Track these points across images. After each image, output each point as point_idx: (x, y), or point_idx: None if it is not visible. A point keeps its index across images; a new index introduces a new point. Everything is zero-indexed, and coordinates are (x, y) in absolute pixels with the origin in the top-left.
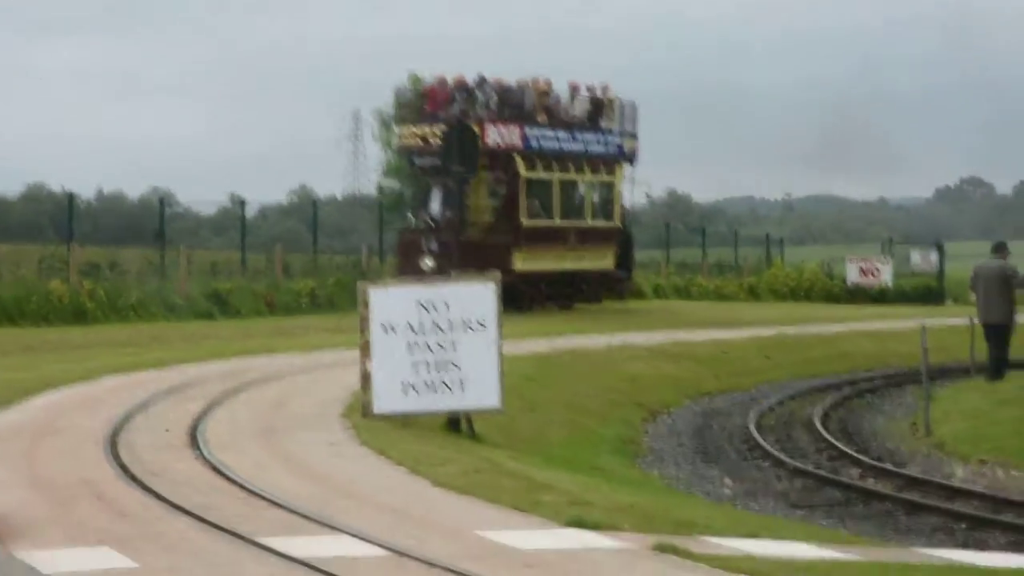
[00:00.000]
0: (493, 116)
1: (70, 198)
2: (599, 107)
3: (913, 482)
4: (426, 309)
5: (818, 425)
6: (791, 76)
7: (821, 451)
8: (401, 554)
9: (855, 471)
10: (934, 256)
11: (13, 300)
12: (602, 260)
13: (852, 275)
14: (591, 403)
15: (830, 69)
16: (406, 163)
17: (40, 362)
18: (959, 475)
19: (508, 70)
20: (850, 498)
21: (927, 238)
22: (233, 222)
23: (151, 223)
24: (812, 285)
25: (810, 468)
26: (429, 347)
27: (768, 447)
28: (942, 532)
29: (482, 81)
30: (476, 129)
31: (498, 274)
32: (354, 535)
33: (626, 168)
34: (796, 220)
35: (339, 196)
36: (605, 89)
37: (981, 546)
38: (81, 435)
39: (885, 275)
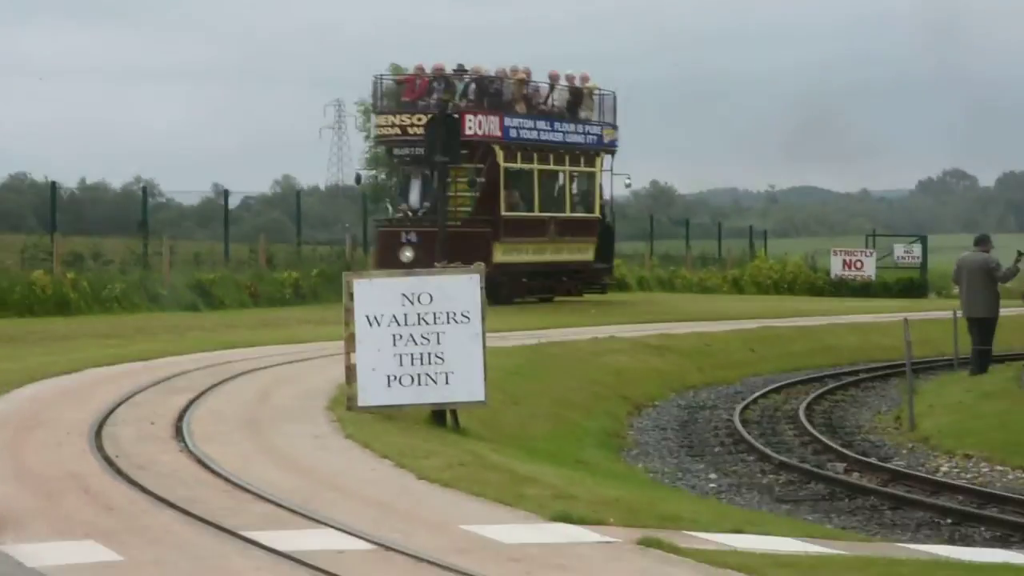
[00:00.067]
0: (472, 106)
1: (52, 188)
2: (578, 97)
3: (898, 476)
4: (411, 301)
5: (803, 419)
6: (774, 68)
7: (806, 445)
8: (387, 548)
9: (840, 465)
10: (917, 249)
11: None
12: (582, 252)
13: (836, 267)
14: (575, 396)
15: (813, 60)
16: (384, 153)
17: (24, 353)
18: (944, 469)
19: (496, 60)
20: (835, 492)
21: (910, 230)
22: (216, 213)
23: (134, 213)
24: (795, 278)
25: (795, 462)
26: (414, 340)
27: (753, 441)
28: (927, 527)
29: (461, 70)
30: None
31: (482, 266)
32: (339, 528)
33: (606, 159)
34: (779, 212)
35: (322, 187)
36: (584, 79)
37: (966, 541)
38: (66, 427)
39: (868, 268)
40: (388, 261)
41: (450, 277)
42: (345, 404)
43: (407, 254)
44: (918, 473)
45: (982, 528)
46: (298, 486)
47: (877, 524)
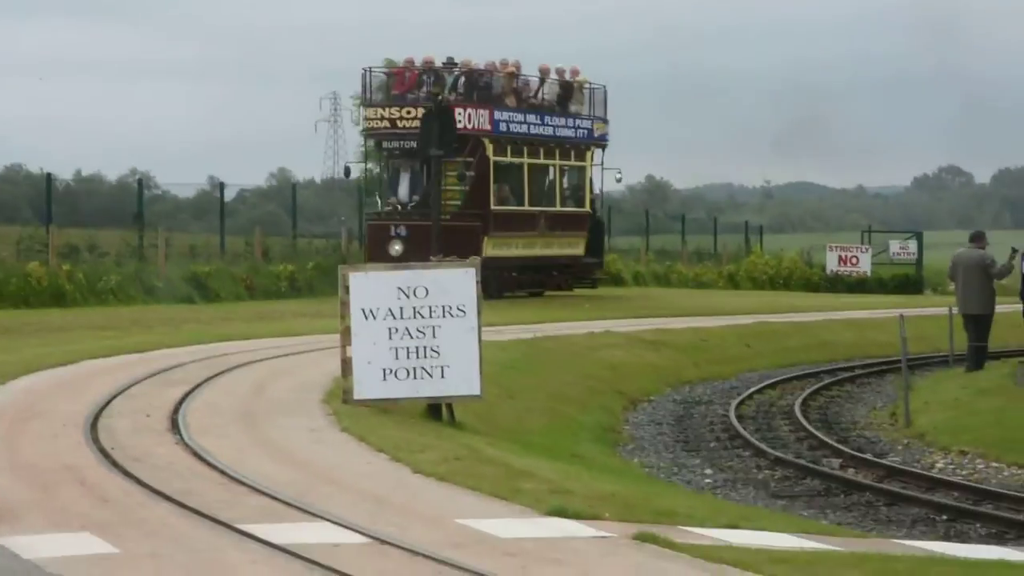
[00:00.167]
0: (461, 99)
1: (48, 179)
2: (568, 91)
3: (893, 472)
4: (406, 295)
5: (798, 414)
6: (771, 64)
7: (801, 441)
8: (382, 541)
9: (835, 461)
10: (913, 245)
11: None
12: (573, 247)
13: (832, 263)
14: (571, 391)
15: (811, 57)
16: (373, 146)
17: (19, 345)
18: (939, 466)
19: (492, 55)
20: (831, 488)
21: (906, 226)
22: (212, 205)
23: (130, 205)
24: (791, 273)
25: (791, 458)
26: (409, 333)
27: (748, 436)
28: (923, 523)
29: (450, 63)
30: None
31: (478, 260)
32: (335, 522)
33: (597, 153)
34: (775, 207)
35: (318, 180)
36: (575, 73)
37: (962, 537)
38: (62, 419)
39: (864, 264)
40: (378, 254)
41: (446, 271)
42: (341, 397)
43: (396, 247)
44: (913, 469)
45: (977, 524)
46: (294, 479)
47: (872, 520)
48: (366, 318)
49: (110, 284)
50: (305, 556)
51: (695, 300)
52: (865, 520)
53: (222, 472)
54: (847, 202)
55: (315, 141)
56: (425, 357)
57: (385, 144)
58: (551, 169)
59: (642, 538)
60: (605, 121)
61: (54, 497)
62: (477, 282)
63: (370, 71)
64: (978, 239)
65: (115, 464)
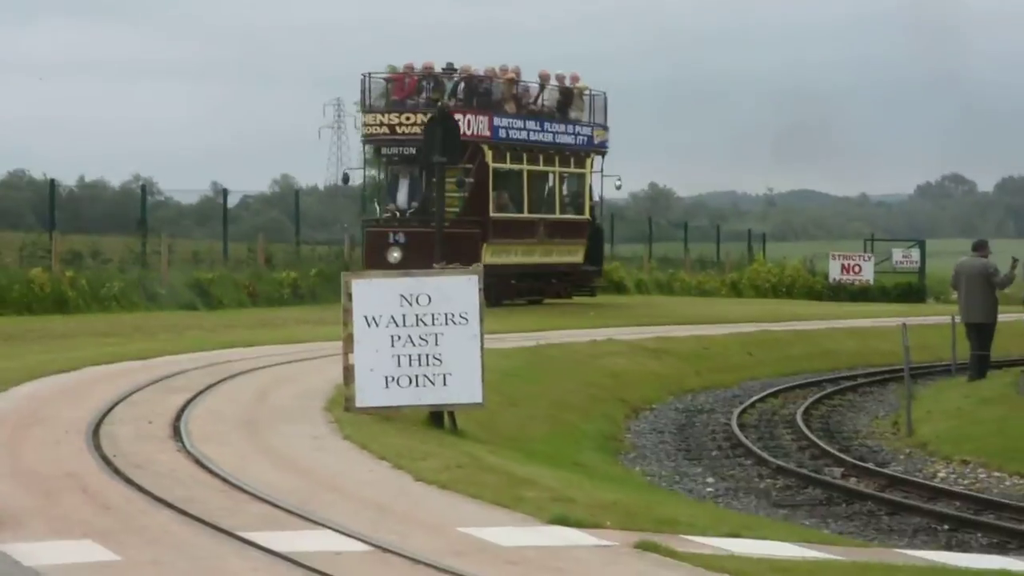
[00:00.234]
0: (461, 105)
1: (51, 185)
2: (568, 97)
3: (895, 482)
4: (409, 302)
5: (800, 423)
6: (773, 70)
7: (803, 450)
8: (384, 549)
9: (837, 470)
10: (916, 254)
11: None
12: (572, 254)
13: (834, 272)
14: (573, 399)
15: (813, 63)
16: (372, 152)
17: (22, 351)
18: (941, 475)
19: (496, 59)
20: (832, 497)
21: (908, 235)
22: (215, 212)
23: (133, 212)
24: (794, 281)
25: (792, 467)
26: (412, 340)
27: (750, 445)
28: (924, 532)
29: (450, 69)
30: None
31: (481, 267)
32: (337, 530)
33: (597, 160)
34: (778, 215)
35: (321, 186)
36: (575, 79)
37: (963, 547)
38: (64, 426)
39: (867, 272)
40: (376, 261)
41: (449, 278)
42: (343, 405)
43: (395, 255)
44: (915, 479)
45: (979, 534)
46: (296, 487)
47: (874, 529)
48: (369, 325)
49: (113, 291)
50: (307, 564)
51: (698, 308)
52: (867, 529)
53: (224, 480)
54: (850, 210)
55: (319, 147)
56: (427, 365)
57: (384, 150)
58: (551, 176)
59: (644, 547)
60: (605, 128)
61: (56, 504)
62: (480, 290)
63: (369, 77)
64: (981, 248)
65: (117, 471)
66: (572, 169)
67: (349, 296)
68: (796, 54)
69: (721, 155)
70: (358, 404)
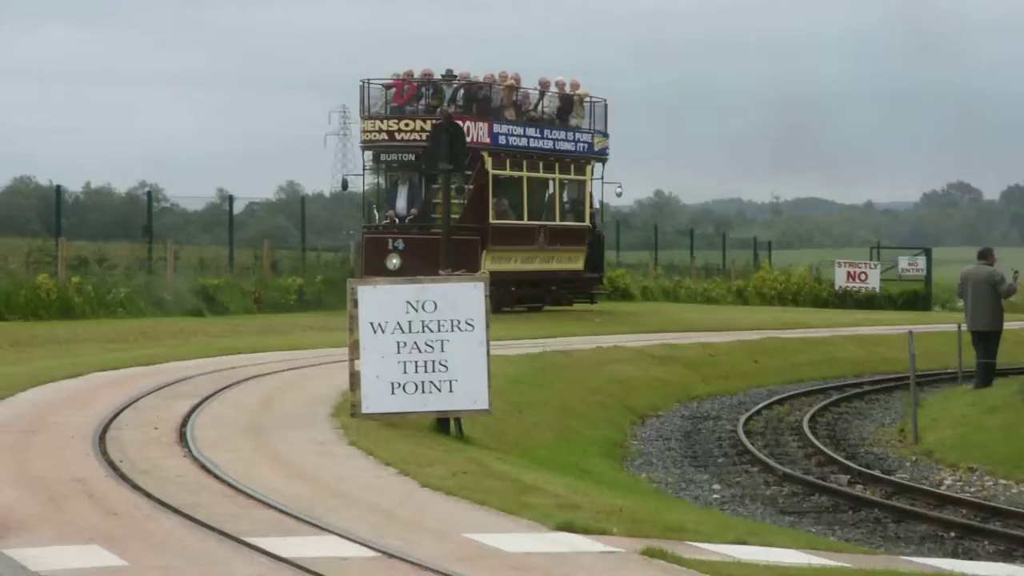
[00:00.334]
0: (460, 112)
1: (58, 191)
2: (569, 104)
3: (902, 489)
4: (415, 308)
5: (806, 430)
6: (778, 78)
7: (810, 457)
8: (389, 555)
9: (844, 477)
10: (922, 262)
11: (1, 294)
12: (572, 261)
13: (840, 279)
14: (579, 405)
15: (820, 71)
16: (372, 158)
17: (28, 357)
18: (947, 483)
19: (498, 66)
20: (838, 505)
21: (914, 242)
22: (221, 218)
23: (139, 218)
24: (800, 289)
25: (799, 474)
26: (418, 347)
27: (757, 452)
28: (931, 540)
29: (449, 76)
30: None
31: (487, 274)
32: (342, 535)
33: (597, 167)
34: (784, 223)
35: (327, 193)
36: (575, 86)
37: (970, 555)
38: (70, 431)
39: (873, 280)
40: (375, 268)
41: (454, 285)
42: (349, 411)
43: (394, 261)
44: (922, 486)
45: (985, 542)
46: (301, 493)
47: (880, 537)
48: (374, 332)
49: (119, 296)
50: (312, 570)
51: (703, 315)
52: (873, 537)
53: (230, 485)
54: (856, 218)
55: (324, 154)
56: (433, 371)
57: (383, 156)
58: (551, 183)
59: (650, 553)
60: (605, 135)
61: (62, 509)
62: (486, 296)
63: (368, 83)
64: (987, 256)
65: (123, 477)
66: (572, 176)
67: (355, 302)
68: (796, 63)
69: (724, 163)
70: (364, 410)
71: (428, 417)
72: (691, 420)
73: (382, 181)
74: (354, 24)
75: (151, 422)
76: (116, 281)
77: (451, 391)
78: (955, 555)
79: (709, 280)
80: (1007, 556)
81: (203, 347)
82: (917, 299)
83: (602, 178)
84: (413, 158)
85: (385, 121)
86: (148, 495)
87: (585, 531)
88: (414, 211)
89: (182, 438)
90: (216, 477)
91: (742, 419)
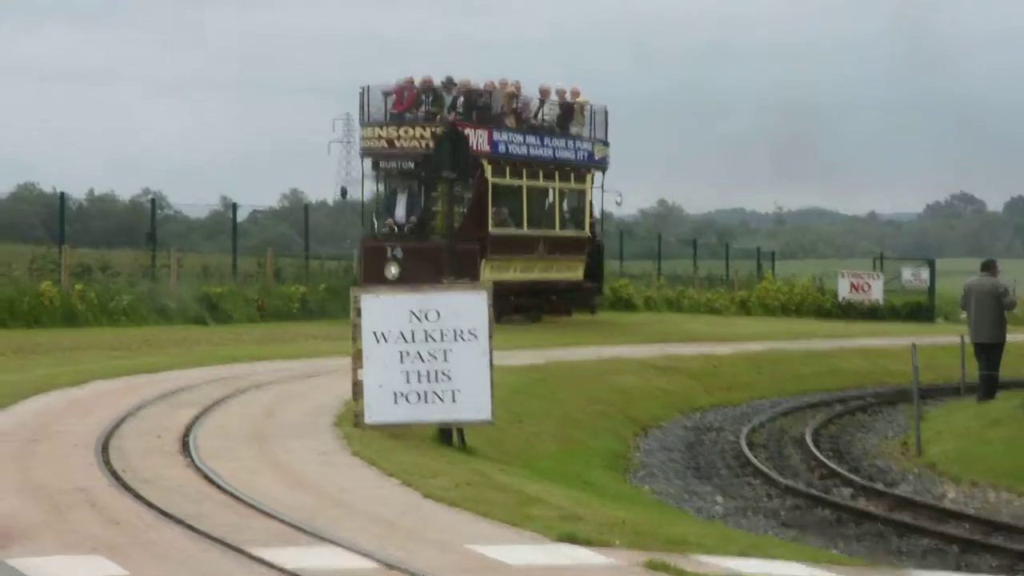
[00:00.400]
0: (460, 119)
1: (61, 198)
2: (569, 112)
3: (904, 503)
4: (418, 318)
5: (809, 443)
6: (778, 87)
7: (812, 469)
8: (391, 567)
9: (846, 491)
10: (925, 273)
11: (4, 301)
12: (572, 271)
13: (844, 290)
14: (581, 416)
15: (824, 81)
16: (371, 166)
17: (31, 365)
18: (950, 496)
19: (500, 73)
20: (841, 518)
21: (917, 254)
22: (224, 226)
23: (142, 225)
24: (803, 300)
25: (801, 487)
26: (421, 356)
27: (759, 464)
28: (934, 554)
29: (449, 83)
30: None
31: (490, 284)
32: (345, 546)
33: (597, 176)
34: (787, 233)
35: (331, 201)
36: (575, 94)
37: (972, 569)
38: (73, 440)
39: (876, 291)
40: (373, 277)
41: (458, 294)
42: (352, 421)
43: (392, 270)
44: (925, 500)
45: (988, 556)
46: (304, 503)
47: (883, 550)
48: (377, 341)
49: (122, 304)
50: None
51: (707, 326)
52: (876, 550)
53: (232, 495)
54: (859, 228)
55: (328, 162)
56: (436, 381)
57: (382, 163)
58: (551, 192)
59: (653, 566)
60: (606, 143)
61: (65, 518)
62: (489, 306)
63: (368, 90)
64: (990, 268)
65: (126, 486)
66: (572, 185)
67: (358, 311)
68: (796, 71)
69: (725, 173)
70: (367, 420)
71: (431, 427)
72: (694, 431)
73: (382, 189)
74: (360, 30)
75: (154, 431)
76: (119, 289)
77: (454, 401)
78: (958, 569)
79: (712, 290)
80: (1010, 571)
81: (206, 355)
82: (920, 310)
83: (602, 187)
84: (413, 166)
85: (385, 128)
86: (150, 505)
87: (588, 543)
88: (413, 219)
89: (185, 447)
90: (218, 487)
91: (745, 431)
